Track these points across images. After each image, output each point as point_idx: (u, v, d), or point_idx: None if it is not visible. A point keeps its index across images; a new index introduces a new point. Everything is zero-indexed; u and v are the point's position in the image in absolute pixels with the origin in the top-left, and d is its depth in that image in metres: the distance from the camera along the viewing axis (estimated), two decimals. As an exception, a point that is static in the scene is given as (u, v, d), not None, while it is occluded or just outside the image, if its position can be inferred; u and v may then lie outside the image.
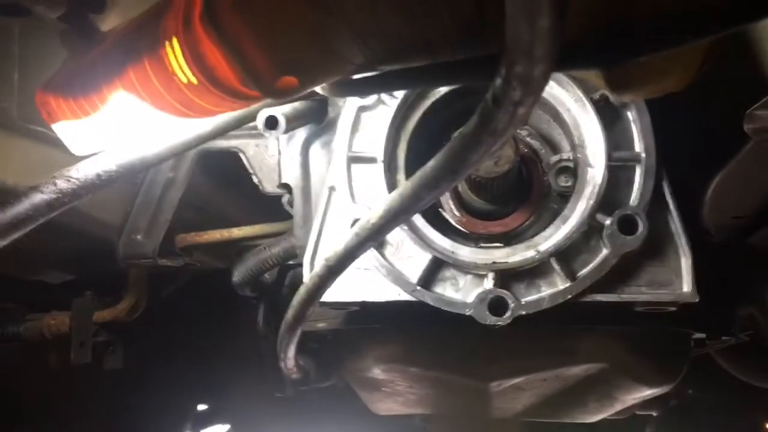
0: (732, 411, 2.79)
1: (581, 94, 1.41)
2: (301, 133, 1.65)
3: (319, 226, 1.51)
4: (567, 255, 1.41)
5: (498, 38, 0.56)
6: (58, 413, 2.35)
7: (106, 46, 0.92)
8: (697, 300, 1.38)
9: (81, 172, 1.04)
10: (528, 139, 1.53)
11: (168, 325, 2.52)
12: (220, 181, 2.05)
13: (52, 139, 1.01)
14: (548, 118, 1.53)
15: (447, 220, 1.52)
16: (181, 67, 0.79)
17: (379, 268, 1.45)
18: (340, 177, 1.48)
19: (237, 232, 1.96)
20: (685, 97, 0.89)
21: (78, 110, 0.94)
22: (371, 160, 1.47)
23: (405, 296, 1.45)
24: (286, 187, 1.69)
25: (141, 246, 1.83)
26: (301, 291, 1.25)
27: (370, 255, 1.44)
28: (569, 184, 1.45)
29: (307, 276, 1.42)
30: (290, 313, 1.33)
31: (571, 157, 1.46)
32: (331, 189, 1.51)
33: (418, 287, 1.43)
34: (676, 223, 1.42)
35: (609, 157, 1.38)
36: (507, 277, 1.42)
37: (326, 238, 1.50)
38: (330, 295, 1.41)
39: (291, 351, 1.53)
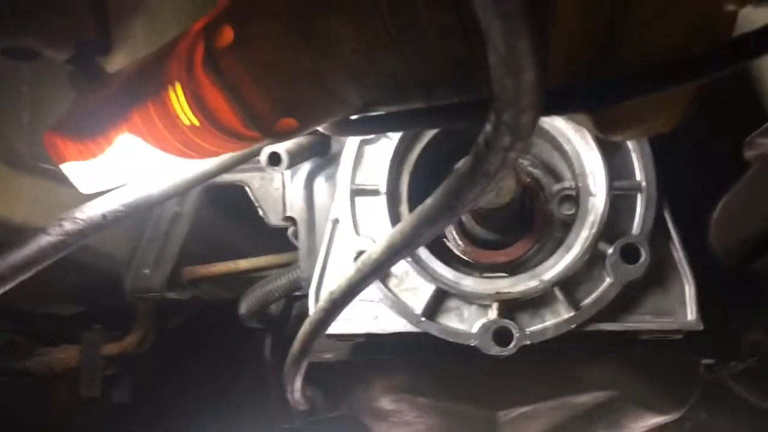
0: (746, 436, 2.75)
1: (581, 125, 1.42)
2: (305, 167, 1.66)
3: (324, 259, 1.52)
4: (570, 284, 1.41)
5: (488, 84, 0.57)
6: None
7: (112, 89, 0.94)
8: (701, 328, 1.38)
9: (87, 213, 1.06)
10: (530, 168, 1.54)
11: (176, 357, 2.51)
12: (227, 214, 2.06)
13: (60, 177, 1.02)
14: (550, 147, 1.54)
15: (451, 250, 1.53)
16: (183, 110, 0.80)
17: (384, 300, 1.46)
18: (343, 209, 1.49)
19: (243, 264, 1.96)
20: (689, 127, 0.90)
21: (85, 152, 0.96)
22: (374, 192, 1.48)
23: (410, 327, 1.45)
24: (291, 219, 1.71)
25: (149, 280, 1.85)
26: (306, 324, 1.26)
27: (375, 287, 1.45)
28: (572, 212, 1.46)
29: (312, 308, 1.43)
30: (296, 346, 1.33)
31: (573, 186, 1.47)
32: (335, 221, 1.52)
33: (423, 318, 1.44)
34: (678, 251, 1.42)
35: (610, 187, 1.39)
36: (511, 306, 1.42)
37: (331, 269, 1.51)
38: (335, 328, 1.42)
39: (298, 383, 1.52)
